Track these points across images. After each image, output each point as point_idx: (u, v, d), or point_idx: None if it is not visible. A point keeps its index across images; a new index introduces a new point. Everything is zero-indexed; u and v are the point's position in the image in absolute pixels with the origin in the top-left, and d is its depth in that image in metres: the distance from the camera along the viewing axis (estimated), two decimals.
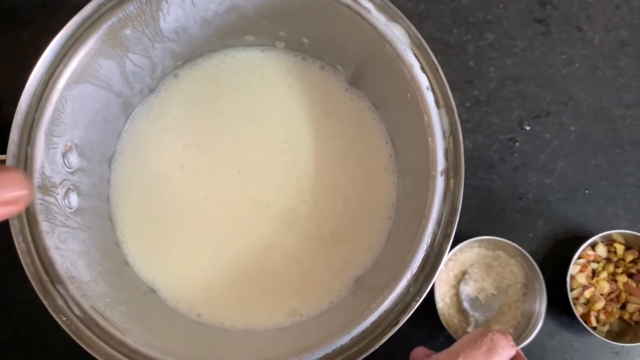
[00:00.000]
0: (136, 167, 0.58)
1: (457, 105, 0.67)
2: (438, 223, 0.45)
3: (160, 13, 0.50)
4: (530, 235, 0.66)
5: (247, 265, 0.56)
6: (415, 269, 0.45)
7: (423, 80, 0.46)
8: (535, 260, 0.64)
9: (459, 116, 0.67)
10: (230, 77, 0.60)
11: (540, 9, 0.69)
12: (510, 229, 0.66)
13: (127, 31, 0.49)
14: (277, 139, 0.59)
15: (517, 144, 0.67)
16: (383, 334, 0.44)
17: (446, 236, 0.45)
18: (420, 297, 0.44)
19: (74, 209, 0.49)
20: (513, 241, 0.64)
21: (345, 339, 0.43)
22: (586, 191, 0.67)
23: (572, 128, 0.67)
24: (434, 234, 0.45)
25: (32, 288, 0.62)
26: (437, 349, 0.43)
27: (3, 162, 0.45)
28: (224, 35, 0.57)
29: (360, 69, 0.56)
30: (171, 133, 0.59)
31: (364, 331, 0.44)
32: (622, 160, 0.67)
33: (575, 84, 0.68)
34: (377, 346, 0.44)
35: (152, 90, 0.59)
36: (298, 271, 0.56)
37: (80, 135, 0.50)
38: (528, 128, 0.67)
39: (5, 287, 0.64)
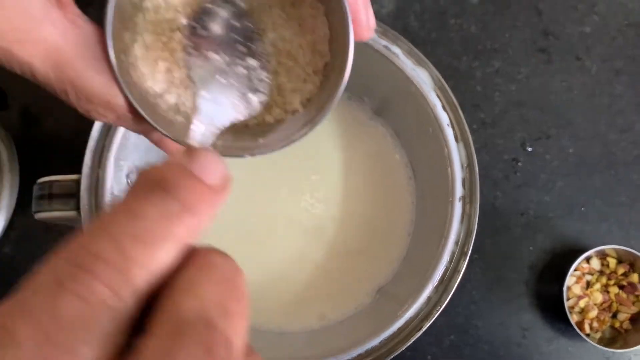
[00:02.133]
0: None
1: None
2: (456, 243, 0.51)
3: None
4: (531, 248, 0.70)
5: (282, 274, 0.61)
6: (436, 282, 0.50)
7: (444, 118, 0.52)
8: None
9: None
10: None
11: (543, 39, 0.73)
12: (512, 242, 0.70)
13: None
14: (308, 162, 0.64)
15: (519, 163, 0.71)
16: (409, 337, 0.49)
17: (463, 254, 0.51)
18: (441, 306, 0.49)
19: None
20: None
21: (375, 341, 0.49)
22: (582, 209, 0.70)
23: (571, 150, 0.71)
24: (452, 252, 0.51)
25: None
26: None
27: (77, 181, 0.50)
28: None
29: (384, 103, 0.61)
30: None
31: (391, 335, 0.49)
32: (615, 180, 0.71)
33: (573, 109, 0.72)
34: (402, 348, 0.49)
35: None
36: (327, 280, 0.61)
37: (140, 158, 0.55)
38: (530, 149, 0.71)
39: None
